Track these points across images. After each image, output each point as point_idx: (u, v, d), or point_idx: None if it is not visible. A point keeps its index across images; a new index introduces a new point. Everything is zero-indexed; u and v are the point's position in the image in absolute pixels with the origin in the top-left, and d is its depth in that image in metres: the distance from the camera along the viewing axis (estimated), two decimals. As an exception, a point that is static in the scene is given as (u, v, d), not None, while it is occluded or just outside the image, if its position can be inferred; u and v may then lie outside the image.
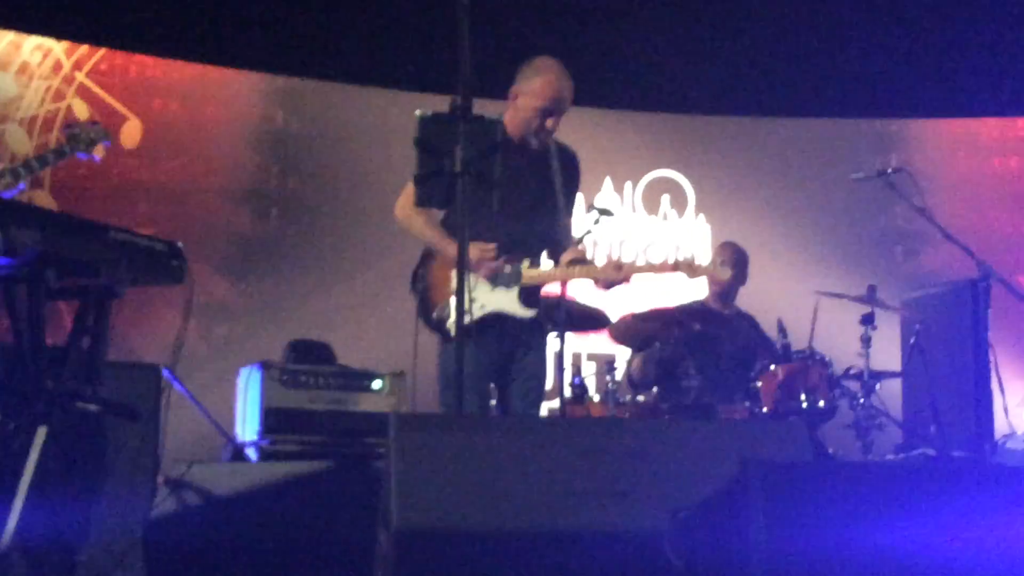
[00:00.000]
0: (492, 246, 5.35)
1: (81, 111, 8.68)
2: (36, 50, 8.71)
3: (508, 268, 5.47)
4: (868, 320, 7.03)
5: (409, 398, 6.73)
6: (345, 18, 9.01)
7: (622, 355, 8.57)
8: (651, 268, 5.74)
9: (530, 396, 5.60)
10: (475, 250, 5.35)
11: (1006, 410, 7.08)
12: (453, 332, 5.36)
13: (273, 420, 7.01)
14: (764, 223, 9.60)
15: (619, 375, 7.73)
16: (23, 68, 8.65)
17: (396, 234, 5.86)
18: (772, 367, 7.02)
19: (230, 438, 7.02)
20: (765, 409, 6.95)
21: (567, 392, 6.82)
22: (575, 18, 9.35)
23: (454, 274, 5.32)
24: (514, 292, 5.48)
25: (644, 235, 9.75)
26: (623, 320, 7.36)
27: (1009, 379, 7.36)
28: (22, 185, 5.27)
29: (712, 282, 7.69)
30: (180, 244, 4.92)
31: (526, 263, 5.47)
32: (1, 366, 4.57)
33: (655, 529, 3.86)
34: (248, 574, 4.66)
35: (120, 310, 5.03)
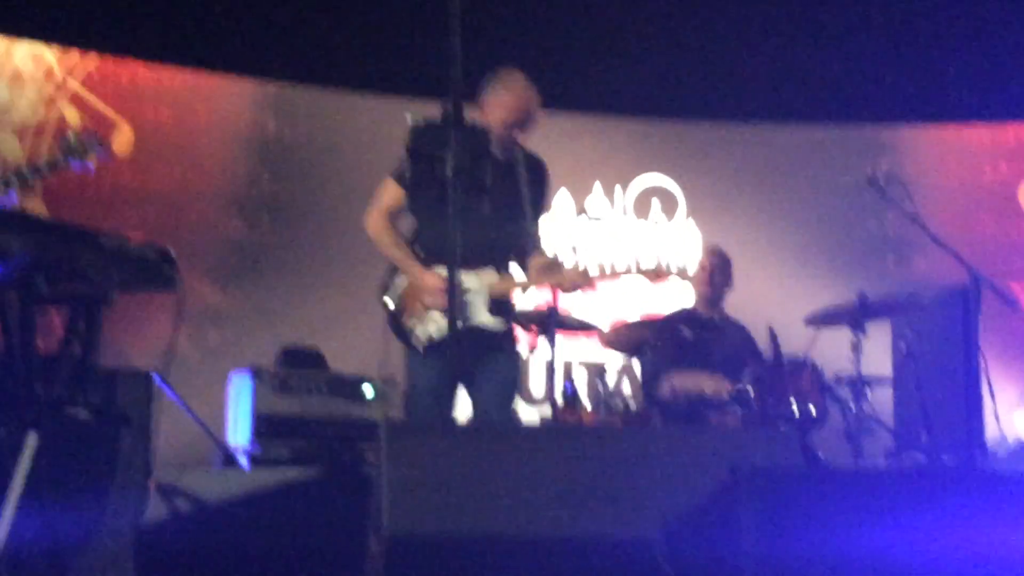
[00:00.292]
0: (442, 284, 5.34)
1: (73, 118, 8.67)
2: (28, 57, 8.70)
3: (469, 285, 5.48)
4: (859, 327, 7.03)
5: (401, 404, 6.72)
6: (336, 25, 9.01)
7: (613, 362, 8.60)
8: (615, 275, 5.77)
9: (503, 399, 5.58)
10: (434, 279, 5.41)
11: (997, 416, 7.08)
12: (422, 345, 5.46)
13: (264, 426, 7.02)
14: (754, 228, 9.61)
15: (611, 382, 7.75)
16: (15, 75, 8.64)
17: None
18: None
19: (221, 444, 7.02)
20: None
21: (559, 399, 6.82)
22: (565, 24, 9.35)
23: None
24: (481, 303, 5.48)
25: (634, 239, 9.75)
26: (615, 327, 7.38)
27: (1000, 385, 7.37)
28: (12, 193, 5.26)
29: (699, 288, 7.71)
30: (171, 250, 4.91)
31: (491, 272, 5.47)
32: (-8, 372, 4.56)
33: (646, 536, 3.87)
34: (239, 581, 4.66)
35: (111, 316, 5.02)
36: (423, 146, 5.46)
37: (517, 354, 5.75)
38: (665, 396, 7.22)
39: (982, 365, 6.99)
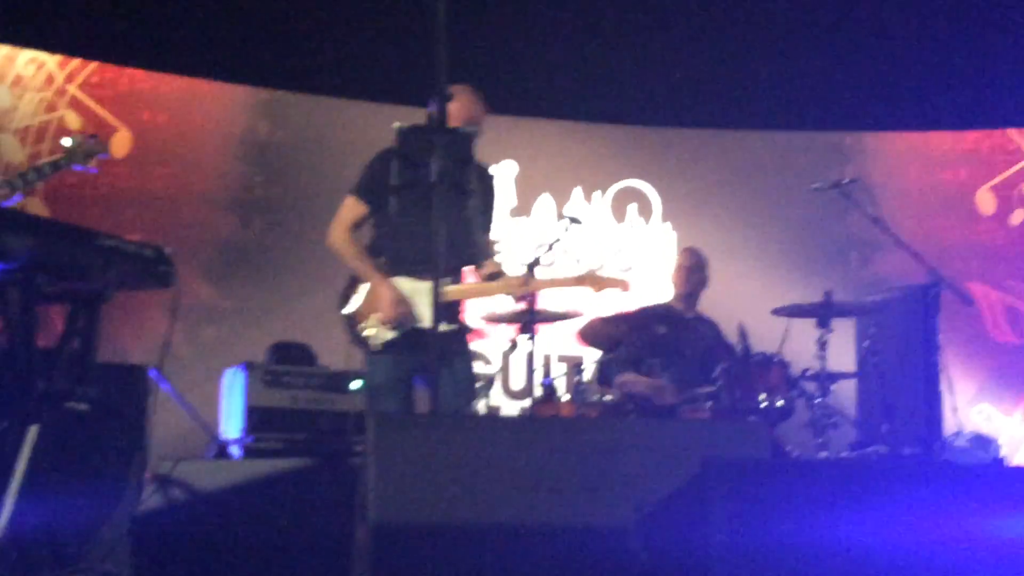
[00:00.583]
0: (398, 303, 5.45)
1: (73, 122, 8.65)
2: (30, 63, 8.68)
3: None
4: (824, 324, 7.04)
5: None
6: (326, 35, 9.00)
7: (590, 356, 8.59)
8: (558, 283, 5.78)
9: (463, 397, 5.60)
10: (391, 298, 5.47)
11: (954, 409, 7.12)
12: (372, 345, 5.53)
13: (256, 419, 7.00)
14: (727, 230, 9.62)
15: (587, 376, 7.74)
16: (17, 80, 8.61)
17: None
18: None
19: (215, 436, 7.01)
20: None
21: (537, 392, 6.82)
22: (547, 35, 9.36)
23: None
24: (431, 309, 5.51)
25: (612, 242, 9.76)
26: (591, 323, 7.37)
27: (957, 380, 7.41)
28: (19, 196, 5.25)
29: (676, 286, 7.72)
30: (167, 250, 4.90)
31: (444, 283, 5.49)
32: (-6, 367, 4.55)
33: (622, 524, 3.87)
34: (231, 567, 4.64)
35: (109, 313, 5.01)
36: (409, 149, 5.49)
37: (471, 355, 5.79)
38: (615, 396, 7.20)
39: (941, 362, 7.01)
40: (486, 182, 5.83)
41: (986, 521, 3.89)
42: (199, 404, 6.86)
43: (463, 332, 5.70)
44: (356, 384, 7.03)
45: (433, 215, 4.72)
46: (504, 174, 9.60)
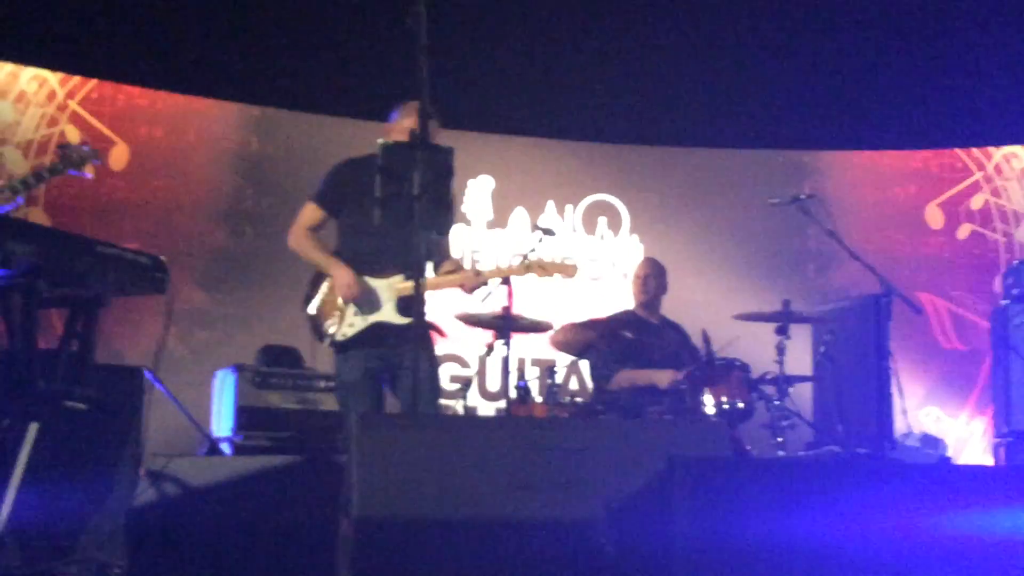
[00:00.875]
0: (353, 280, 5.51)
1: (73, 136, 8.62)
2: (33, 80, 8.66)
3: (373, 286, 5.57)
4: (782, 331, 7.06)
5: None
6: (314, 54, 9.00)
7: (562, 360, 8.59)
8: (506, 271, 5.81)
9: (427, 395, 5.56)
10: (347, 274, 5.53)
11: (904, 412, 7.15)
12: (327, 343, 5.61)
13: (246, 418, 6.99)
14: (691, 243, 9.64)
15: (559, 378, 7.75)
16: (20, 96, 8.59)
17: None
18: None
19: (206, 434, 6.98)
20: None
21: (512, 394, 6.81)
22: (522, 58, 9.36)
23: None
24: (391, 304, 5.54)
25: (583, 253, 9.76)
26: (562, 329, 7.37)
27: (907, 384, 7.44)
28: (20, 199, 5.23)
29: (636, 294, 7.72)
30: (162, 258, 4.89)
31: (399, 277, 5.49)
32: (-3, 367, 4.53)
33: (591, 519, 3.87)
34: (221, 558, 4.63)
35: (107, 317, 5.00)
36: (392, 163, 5.48)
37: (432, 349, 5.77)
38: (616, 389, 7.24)
39: (892, 367, 7.03)
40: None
41: (933, 517, 3.91)
42: (191, 404, 6.82)
43: (426, 326, 5.70)
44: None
45: (415, 224, 4.74)
46: (481, 188, 9.60)
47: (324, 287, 5.69)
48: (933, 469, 6.18)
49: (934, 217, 10.14)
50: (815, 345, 7.61)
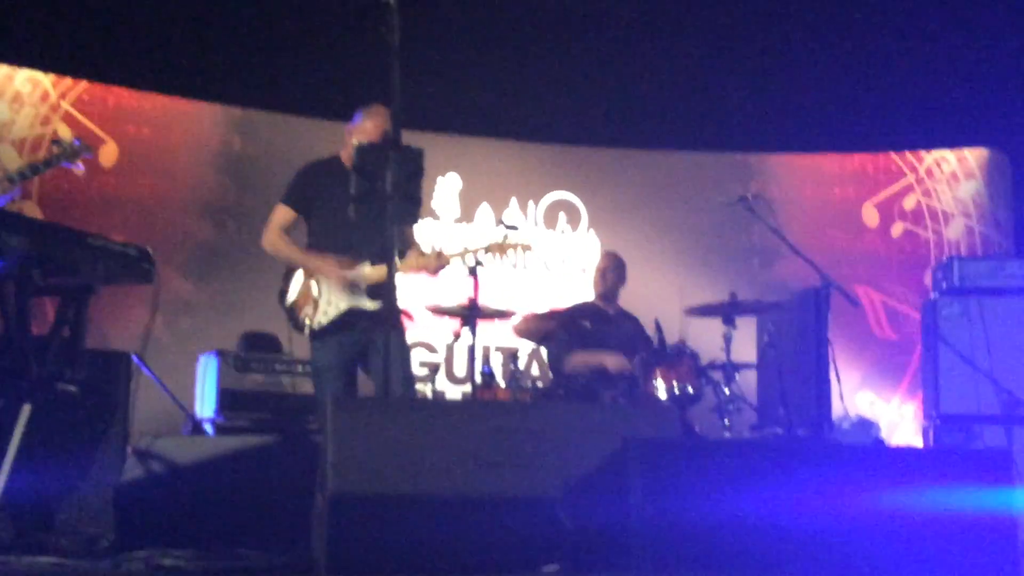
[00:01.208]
0: (345, 263, 5.51)
1: (65, 134, 8.52)
2: (27, 81, 8.58)
3: (352, 272, 5.57)
4: (729, 321, 7.08)
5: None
6: (293, 60, 8.98)
7: (524, 348, 8.59)
8: (465, 253, 5.82)
9: (401, 376, 5.55)
10: (335, 264, 5.54)
11: (841, 396, 7.16)
12: (307, 331, 5.58)
13: (227, 400, 6.97)
14: (645, 238, 9.65)
15: (522, 364, 7.75)
16: (15, 96, 8.51)
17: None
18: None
19: (190, 415, 6.95)
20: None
21: (478, 379, 6.81)
22: (488, 65, 9.36)
23: (313, 284, 5.59)
24: (362, 289, 5.52)
25: (544, 247, 9.76)
26: (525, 318, 7.37)
27: (844, 371, 7.45)
28: (17, 190, 5.19)
29: (596, 286, 7.73)
30: (149, 249, 4.86)
31: (367, 265, 5.49)
32: (-8, 352, 4.50)
33: (550, 496, 3.87)
34: (204, 531, 4.60)
35: (96, 305, 4.97)
36: (366, 163, 5.46)
37: (403, 332, 5.74)
38: (569, 371, 7.25)
39: (830, 354, 7.06)
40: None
41: (868, 494, 3.93)
42: (176, 387, 6.79)
43: (395, 311, 5.69)
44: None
45: (387, 220, 4.73)
46: (449, 186, 9.59)
47: (297, 280, 5.66)
48: (867, 450, 6.21)
49: (870, 216, 10.19)
50: (759, 334, 7.63)
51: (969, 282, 7.58)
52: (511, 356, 7.47)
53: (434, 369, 9.12)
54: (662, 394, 6.93)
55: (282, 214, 5.77)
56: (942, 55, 9.53)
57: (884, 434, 8.47)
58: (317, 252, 5.65)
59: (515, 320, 7.17)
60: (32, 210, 8.06)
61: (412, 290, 6.00)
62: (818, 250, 8.20)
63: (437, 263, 5.69)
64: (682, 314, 7.27)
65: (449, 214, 9.58)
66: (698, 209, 9.79)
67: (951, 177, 10.20)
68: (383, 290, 5.48)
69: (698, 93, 9.82)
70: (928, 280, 8.07)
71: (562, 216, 9.96)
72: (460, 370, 9.25)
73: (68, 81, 8.72)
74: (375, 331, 5.41)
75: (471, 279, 6.00)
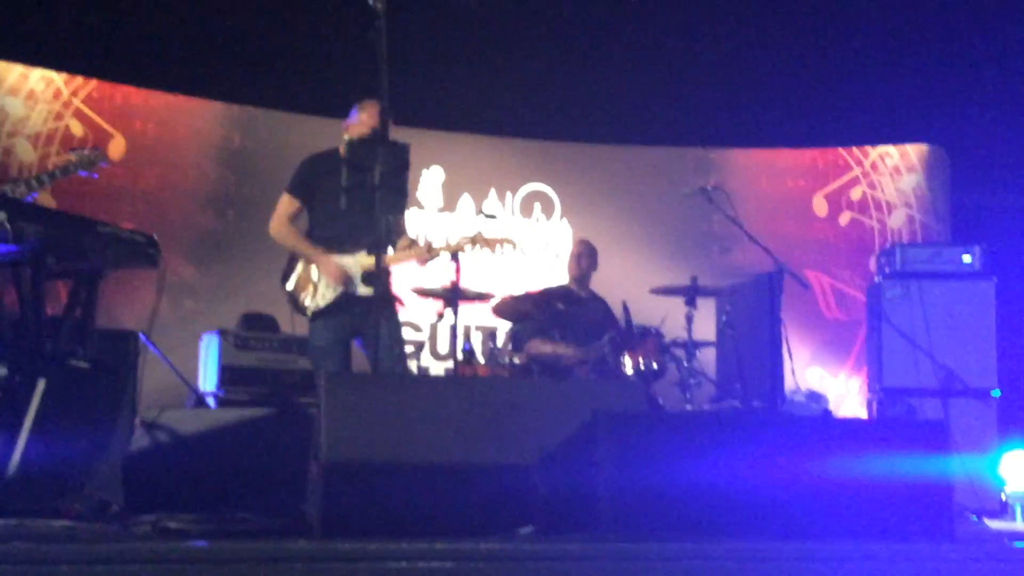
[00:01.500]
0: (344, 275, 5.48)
1: (76, 129, 8.52)
2: (41, 80, 8.52)
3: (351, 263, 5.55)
4: (690, 302, 7.10)
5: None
6: (289, 60, 8.96)
7: (502, 328, 8.59)
8: (455, 247, 5.80)
9: (395, 355, 5.55)
10: (337, 272, 5.51)
11: (793, 371, 7.18)
12: (309, 313, 5.57)
13: (228, 375, 6.95)
14: (614, 226, 9.65)
15: (500, 343, 7.74)
16: (30, 94, 8.46)
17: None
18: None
19: (194, 389, 6.93)
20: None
21: (459, 356, 6.81)
22: (470, 66, 9.34)
23: (313, 269, 5.59)
24: (357, 277, 5.54)
25: (521, 234, 9.75)
26: (503, 300, 7.37)
27: (795, 348, 7.47)
28: (34, 194, 5.19)
29: (570, 270, 7.74)
30: (155, 236, 4.84)
31: (363, 254, 5.48)
32: (10, 331, 4.48)
33: (526, 464, 3.88)
34: (207, 496, 4.60)
35: (106, 287, 4.94)
36: (356, 157, 5.45)
37: (396, 314, 5.74)
38: (524, 359, 7.22)
39: (783, 332, 7.08)
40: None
41: (816, 461, 3.95)
42: (181, 363, 6.77)
43: (390, 296, 5.69)
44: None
45: (376, 209, 4.74)
46: (433, 178, 9.57)
47: (299, 266, 5.66)
48: (816, 421, 6.25)
49: (820, 206, 10.22)
50: (718, 315, 7.64)
51: (910, 267, 7.62)
52: (490, 335, 7.48)
53: (419, 347, 9.12)
54: (628, 370, 6.95)
55: (287, 203, 5.77)
56: (887, 59, 9.57)
57: (832, 406, 8.50)
58: (319, 236, 5.63)
59: (494, 302, 7.16)
60: (46, 200, 8.00)
61: (400, 274, 5.97)
62: (772, 237, 8.21)
63: (428, 255, 5.67)
64: (648, 296, 7.28)
65: (433, 204, 9.56)
66: (662, 199, 9.80)
67: (894, 171, 10.24)
68: (375, 277, 5.48)
69: (663, 93, 9.83)
70: (873, 265, 8.09)
71: (537, 206, 9.95)
72: (443, 347, 9.24)
73: (79, 80, 8.66)
74: (368, 315, 5.41)
75: (453, 264, 5.99)
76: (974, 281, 7.51)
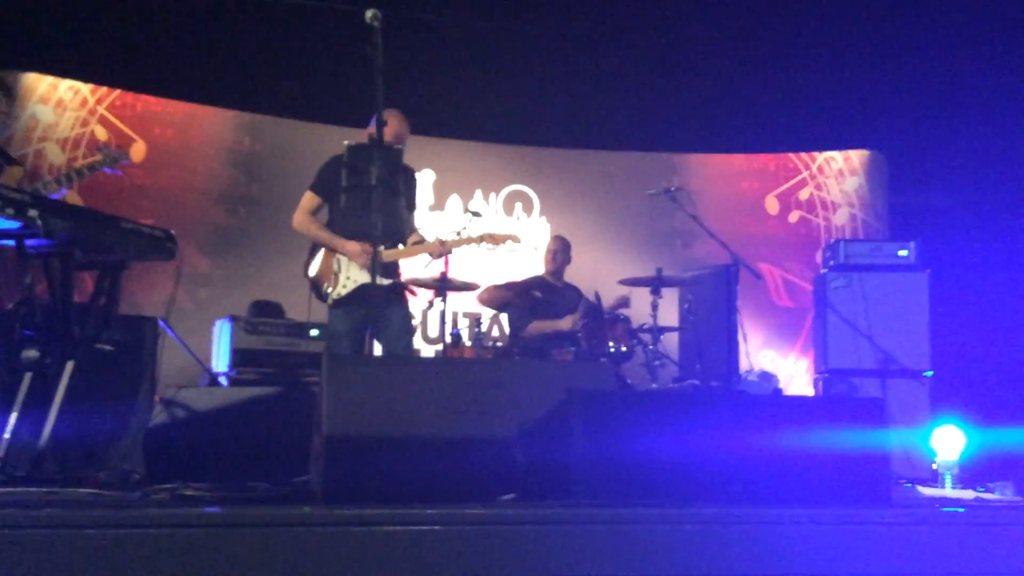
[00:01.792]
0: (370, 246, 5.30)
1: (101, 134, 8.49)
2: (69, 89, 8.49)
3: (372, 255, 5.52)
4: (656, 292, 7.12)
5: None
6: (295, 71, 8.94)
7: (486, 314, 8.60)
8: (465, 242, 5.80)
9: (403, 343, 5.59)
10: (359, 247, 5.47)
11: (747, 353, 7.22)
12: (330, 301, 5.57)
13: (239, 357, 6.93)
14: (587, 223, 9.67)
15: (484, 328, 7.74)
16: (59, 102, 8.42)
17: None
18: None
19: (208, 370, 6.92)
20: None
21: (447, 339, 6.82)
22: (458, 79, 9.33)
23: (335, 261, 5.57)
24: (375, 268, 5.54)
25: (503, 230, 9.74)
26: (487, 289, 7.38)
27: (750, 333, 7.52)
28: (64, 190, 5.19)
29: (546, 263, 7.75)
30: (172, 231, 4.82)
31: (381, 248, 5.49)
32: (42, 317, 4.45)
33: (507, 437, 3.88)
34: (219, 467, 4.59)
35: (128, 278, 4.92)
36: (354, 160, 5.46)
37: (407, 305, 5.74)
38: (529, 335, 7.27)
39: (738, 319, 7.11)
40: (410, 181, 5.84)
41: (768, 434, 3.96)
42: (196, 346, 6.75)
43: (400, 286, 5.69)
44: (315, 332, 6.98)
45: (372, 207, 4.75)
46: (424, 179, 9.55)
47: (319, 256, 5.64)
48: (768, 398, 6.27)
49: (772, 205, 10.26)
50: (681, 303, 7.67)
51: (852, 260, 7.66)
52: (475, 321, 7.49)
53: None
54: (600, 352, 6.96)
55: (309, 200, 5.74)
56: (832, 72, 9.58)
57: (782, 385, 8.54)
58: (338, 232, 5.61)
59: (479, 291, 7.16)
60: (74, 198, 7.97)
61: (409, 264, 5.97)
62: (729, 234, 8.24)
63: (440, 249, 5.67)
64: (617, 285, 7.29)
65: (424, 203, 9.55)
66: (631, 199, 9.81)
67: (838, 174, 10.28)
68: (388, 268, 5.49)
69: (632, 104, 9.84)
70: (819, 258, 8.13)
71: (518, 205, 9.96)
72: (433, 332, 9.24)
73: (103, 89, 8.64)
74: (383, 304, 5.42)
75: (443, 258, 5.99)
76: (910, 273, 7.55)
